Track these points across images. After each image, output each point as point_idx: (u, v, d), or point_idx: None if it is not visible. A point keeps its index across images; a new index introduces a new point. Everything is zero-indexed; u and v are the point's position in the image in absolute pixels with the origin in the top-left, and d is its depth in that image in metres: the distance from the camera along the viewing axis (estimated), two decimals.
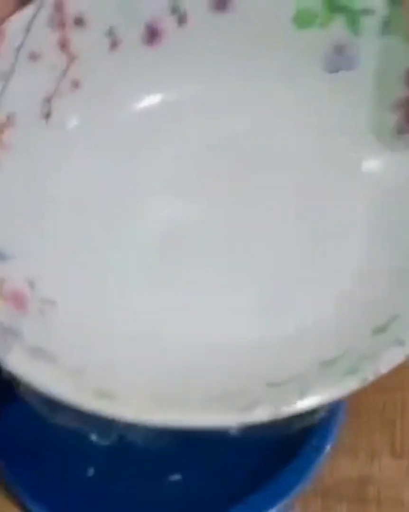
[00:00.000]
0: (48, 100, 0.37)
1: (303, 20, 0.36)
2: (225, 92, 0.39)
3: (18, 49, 0.35)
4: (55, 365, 0.31)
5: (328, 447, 0.44)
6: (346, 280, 0.35)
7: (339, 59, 0.37)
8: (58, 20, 0.35)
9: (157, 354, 0.34)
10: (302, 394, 0.30)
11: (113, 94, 0.38)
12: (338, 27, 0.36)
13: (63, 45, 0.36)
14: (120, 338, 0.34)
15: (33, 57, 0.35)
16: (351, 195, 0.37)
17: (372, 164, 0.37)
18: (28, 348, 0.31)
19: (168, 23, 0.37)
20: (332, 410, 0.44)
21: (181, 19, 0.37)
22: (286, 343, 0.34)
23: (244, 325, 0.35)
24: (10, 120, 0.35)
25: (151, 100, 0.39)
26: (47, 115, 0.37)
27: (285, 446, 0.44)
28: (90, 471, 0.43)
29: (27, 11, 0.35)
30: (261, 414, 0.30)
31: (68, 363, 0.31)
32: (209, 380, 0.33)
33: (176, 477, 0.44)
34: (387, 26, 0.35)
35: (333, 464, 0.44)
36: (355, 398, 0.44)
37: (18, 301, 0.33)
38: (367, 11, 0.35)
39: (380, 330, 0.32)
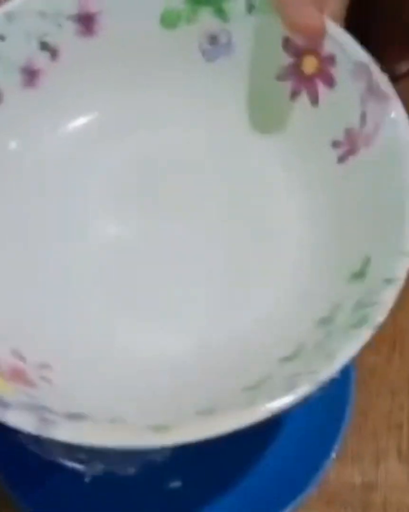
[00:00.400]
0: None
1: (169, 20, 0.38)
2: (127, 109, 0.40)
3: None
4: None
5: (333, 452, 0.43)
6: (288, 271, 0.36)
7: (215, 48, 0.38)
8: None
9: (113, 371, 0.34)
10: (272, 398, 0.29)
11: (50, 113, 0.39)
12: (206, 19, 0.37)
13: None
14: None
15: None
16: (273, 182, 0.38)
17: (284, 141, 0.38)
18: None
19: (42, 60, 0.38)
20: (337, 415, 0.44)
21: (53, 54, 0.38)
22: (240, 344, 0.34)
23: (193, 333, 0.35)
24: None
25: (86, 119, 0.40)
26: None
27: (288, 453, 0.44)
28: (88, 478, 0.43)
29: None
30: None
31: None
32: (171, 395, 0.33)
33: (176, 484, 0.43)
34: (251, 6, 0.36)
35: (338, 470, 0.44)
36: (360, 402, 0.44)
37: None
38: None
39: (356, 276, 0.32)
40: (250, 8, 0.37)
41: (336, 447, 0.43)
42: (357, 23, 0.37)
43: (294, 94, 0.37)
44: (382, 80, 0.33)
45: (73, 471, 0.41)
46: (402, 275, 0.30)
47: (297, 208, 0.37)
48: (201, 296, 0.36)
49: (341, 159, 0.35)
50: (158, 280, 0.36)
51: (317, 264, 0.35)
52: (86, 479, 0.38)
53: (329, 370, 0.30)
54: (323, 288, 0.34)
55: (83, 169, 0.39)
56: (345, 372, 0.44)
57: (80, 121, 0.40)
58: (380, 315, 0.30)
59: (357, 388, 0.45)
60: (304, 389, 0.29)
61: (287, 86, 0.37)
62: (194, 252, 0.37)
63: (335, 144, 0.36)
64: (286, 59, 0.36)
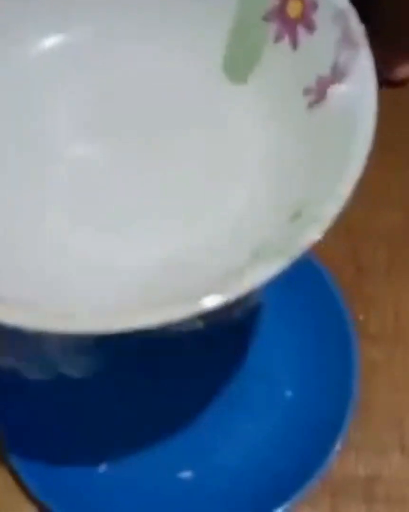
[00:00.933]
0: None
1: None
2: (124, 33, 0.40)
3: None
4: None
5: (337, 445, 0.44)
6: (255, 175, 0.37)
7: None
8: None
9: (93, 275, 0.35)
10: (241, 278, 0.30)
11: (16, 33, 0.39)
12: None
13: None
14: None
15: None
16: (241, 121, 0.38)
17: (258, 80, 0.38)
18: None
19: None
20: (341, 409, 0.44)
21: None
22: (216, 242, 0.35)
23: (169, 236, 0.36)
24: None
25: (55, 40, 0.40)
26: None
27: (293, 444, 0.45)
28: (102, 468, 0.43)
29: None
30: (211, 302, 0.30)
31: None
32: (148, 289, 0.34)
33: (186, 474, 0.44)
34: None
35: (342, 462, 0.44)
36: (364, 397, 0.45)
37: None
38: None
39: (295, 216, 0.33)
40: None
41: (340, 440, 0.44)
42: None
43: (277, 38, 0.37)
44: (357, 28, 0.34)
45: (85, 461, 0.43)
46: (329, 215, 0.31)
47: (257, 148, 0.38)
48: (157, 212, 0.37)
49: (310, 106, 0.36)
50: (119, 197, 0.37)
51: (260, 201, 0.36)
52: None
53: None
54: (261, 224, 0.35)
55: (54, 88, 0.39)
56: (348, 367, 0.45)
57: (55, 39, 0.40)
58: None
59: (360, 383, 0.45)
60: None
61: (272, 28, 0.37)
62: (154, 173, 0.38)
63: (307, 91, 0.36)
64: (273, 1, 0.37)
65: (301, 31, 0.36)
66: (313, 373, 0.46)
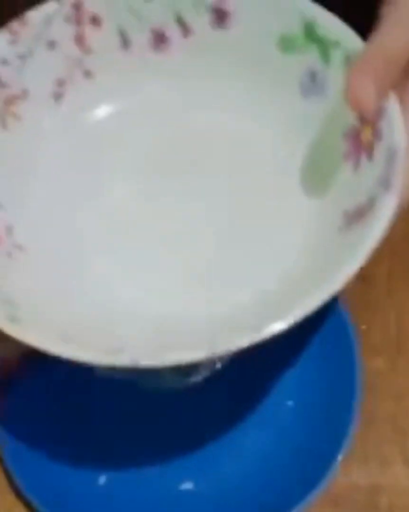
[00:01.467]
0: (61, 84, 0.41)
1: (286, 45, 0.40)
2: (207, 96, 0.43)
3: (38, 37, 0.40)
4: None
5: (339, 456, 0.43)
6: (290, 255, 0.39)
7: (312, 85, 0.40)
8: (76, 17, 0.40)
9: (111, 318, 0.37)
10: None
11: (122, 88, 0.42)
12: (313, 55, 0.39)
13: (79, 39, 0.41)
14: (79, 296, 0.38)
15: (51, 45, 0.40)
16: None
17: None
18: None
19: (173, 32, 0.41)
20: (343, 418, 0.44)
21: (184, 31, 0.41)
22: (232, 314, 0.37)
23: (191, 297, 0.38)
24: (23, 94, 0.40)
25: (147, 95, 0.43)
26: (58, 96, 0.41)
27: (295, 454, 0.44)
28: (102, 480, 0.43)
29: (48, 6, 0.40)
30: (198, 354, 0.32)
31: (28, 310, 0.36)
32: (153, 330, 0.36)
33: (187, 485, 0.44)
34: (348, 59, 0.38)
35: (344, 473, 0.44)
36: (367, 406, 0.45)
37: None
38: (336, 44, 0.39)
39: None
40: (346, 59, 0.38)
41: (343, 450, 0.43)
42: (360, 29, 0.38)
43: (347, 156, 0.39)
44: (399, 171, 0.35)
45: (85, 472, 0.42)
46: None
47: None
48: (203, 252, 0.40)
49: (341, 228, 0.37)
50: (169, 252, 0.40)
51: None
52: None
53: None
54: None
55: (111, 150, 0.42)
56: (351, 376, 0.45)
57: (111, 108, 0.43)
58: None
59: (363, 393, 0.45)
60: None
61: (346, 145, 0.39)
62: (200, 218, 0.40)
63: (346, 213, 0.37)
64: (353, 122, 0.38)
65: (363, 156, 0.37)
66: (316, 383, 0.46)
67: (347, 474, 0.44)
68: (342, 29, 0.39)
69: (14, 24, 0.40)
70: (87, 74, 0.42)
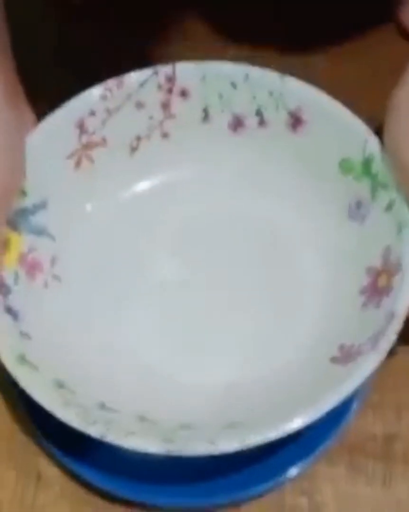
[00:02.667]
0: (139, 139, 0.45)
1: (345, 167, 0.43)
2: (256, 187, 0.46)
3: (129, 96, 0.44)
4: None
5: (355, 404, 0.43)
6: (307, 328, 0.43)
7: (358, 212, 0.43)
8: (167, 87, 0.44)
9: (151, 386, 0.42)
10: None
11: (191, 151, 0.46)
12: (365, 187, 0.42)
13: (165, 105, 0.45)
14: (96, 343, 0.43)
15: (139, 105, 0.44)
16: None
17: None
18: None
19: (251, 122, 0.45)
20: None
21: (261, 123, 0.45)
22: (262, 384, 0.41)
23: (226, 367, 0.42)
24: (102, 142, 0.45)
25: (212, 164, 0.47)
26: (134, 149, 0.46)
27: None
28: None
29: (144, 73, 0.44)
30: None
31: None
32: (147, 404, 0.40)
33: None
34: (390, 206, 0.41)
35: (360, 421, 0.44)
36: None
37: (32, 268, 0.42)
38: (384, 186, 0.41)
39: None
40: (389, 206, 0.41)
41: (358, 398, 0.43)
42: None
43: (362, 291, 0.42)
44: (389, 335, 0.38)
45: None
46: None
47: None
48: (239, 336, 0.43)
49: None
50: (203, 320, 0.44)
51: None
52: None
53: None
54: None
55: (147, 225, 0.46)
56: None
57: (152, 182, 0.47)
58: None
59: None
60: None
61: (365, 280, 0.42)
62: (235, 301, 0.44)
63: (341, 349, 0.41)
64: (379, 262, 0.41)
65: (375, 300, 0.40)
66: None
67: (363, 421, 0.44)
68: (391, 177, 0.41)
69: (110, 82, 0.44)
70: (165, 135, 0.45)
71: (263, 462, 0.42)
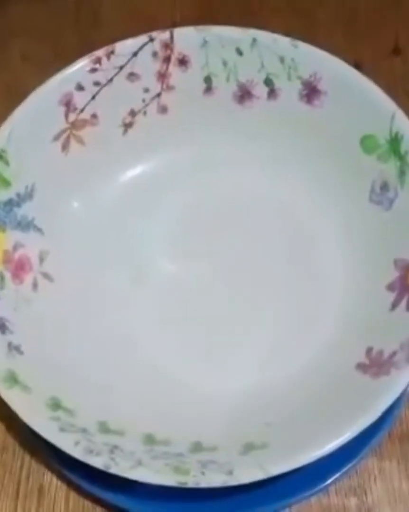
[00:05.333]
0: (133, 114, 0.41)
1: (368, 145, 0.39)
2: (266, 166, 0.42)
3: (121, 67, 0.40)
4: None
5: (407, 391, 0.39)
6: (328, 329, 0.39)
7: (382, 195, 0.39)
8: (164, 55, 0.40)
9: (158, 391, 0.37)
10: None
11: (194, 129, 0.42)
12: (391, 168, 0.38)
13: (163, 75, 0.40)
14: (94, 346, 0.38)
15: (131, 77, 0.40)
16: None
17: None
18: None
19: (259, 92, 0.41)
20: None
21: (271, 94, 0.40)
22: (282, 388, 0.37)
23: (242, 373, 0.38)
24: (92, 120, 0.40)
25: (215, 143, 0.42)
26: (128, 126, 0.41)
27: None
28: None
29: (138, 40, 0.40)
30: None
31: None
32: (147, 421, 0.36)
33: None
34: None
35: None
36: None
37: (19, 268, 0.38)
38: None
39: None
40: None
41: None
42: None
43: (390, 287, 0.37)
44: None
45: None
46: None
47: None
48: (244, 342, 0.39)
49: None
50: (206, 319, 0.40)
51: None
52: None
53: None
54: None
55: (142, 214, 0.42)
56: None
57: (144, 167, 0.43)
58: None
59: None
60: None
61: (394, 273, 0.37)
62: (241, 297, 0.40)
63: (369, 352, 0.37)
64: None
65: (405, 299, 0.36)
66: None
67: None
68: None
69: (100, 52, 0.39)
70: (163, 109, 0.41)
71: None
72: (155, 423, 0.35)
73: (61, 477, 0.39)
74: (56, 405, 0.34)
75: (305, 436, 0.33)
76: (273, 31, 0.40)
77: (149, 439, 0.35)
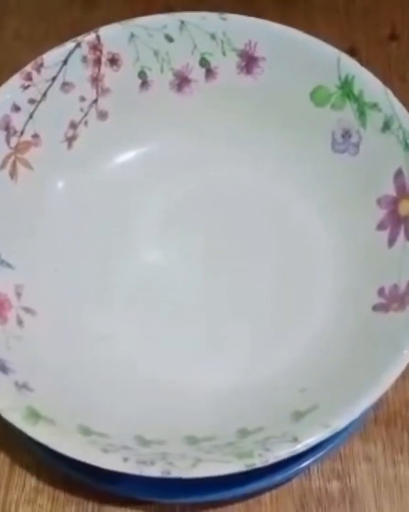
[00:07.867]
0: (74, 126, 0.40)
1: (319, 97, 0.38)
2: (225, 147, 0.41)
3: (53, 79, 0.38)
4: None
5: None
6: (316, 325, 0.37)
7: (345, 143, 0.38)
8: (93, 58, 0.39)
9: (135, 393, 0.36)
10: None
11: (138, 131, 0.41)
12: (348, 113, 0.38)
13: (96, 79, 0.39)
14: (97, 369, 0.37)
15: (65, 87, 0.39)
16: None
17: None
18: None
19: (197, 75, 0.40)
20: None
21: (209, 74, 0.40)
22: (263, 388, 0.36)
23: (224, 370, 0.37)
24: (34, 140, 0.39)
25: (165, 141, 0.41)
26: (71, 139, 0.40)
27: None
28: None
29: (65, 48, 0.38)
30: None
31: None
32: (186, 423, 0.35)
33: None
34: (387, 125, 0.37)
35: (396, 390, 0.38)
36: None
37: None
38: (375, 106, 0.37)
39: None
40: (385, 125, 0.37)
41: None
42: None
43: (381, 226, 0.37)
44: None
45: None
46: None
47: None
48: (224, 335, 0.38)
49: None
50: (185, 309, 0.38)
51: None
52: None
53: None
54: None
55: (135, 194, 0.41)
56: None
57: (175, 142, 0.41)
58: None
59: None
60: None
61: (380, 214, 0.37)
62: (223, 286, 0.39)
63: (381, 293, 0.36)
64: (392, 190, 0.37)
65: (402, 231, 0.36)
66: None
67: (401, 390, 0.39)
68: (381, 92, 0.37)
69: (28, 67, 0.38)
70: (102, 115, 0.40)
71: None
72: (196, 426, 0.35)
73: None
74: (86, 431, 0.33)
75: (350, 386, 0.33)
76: (271, 19, 0.39)
77: (193, 440, 0.33)
